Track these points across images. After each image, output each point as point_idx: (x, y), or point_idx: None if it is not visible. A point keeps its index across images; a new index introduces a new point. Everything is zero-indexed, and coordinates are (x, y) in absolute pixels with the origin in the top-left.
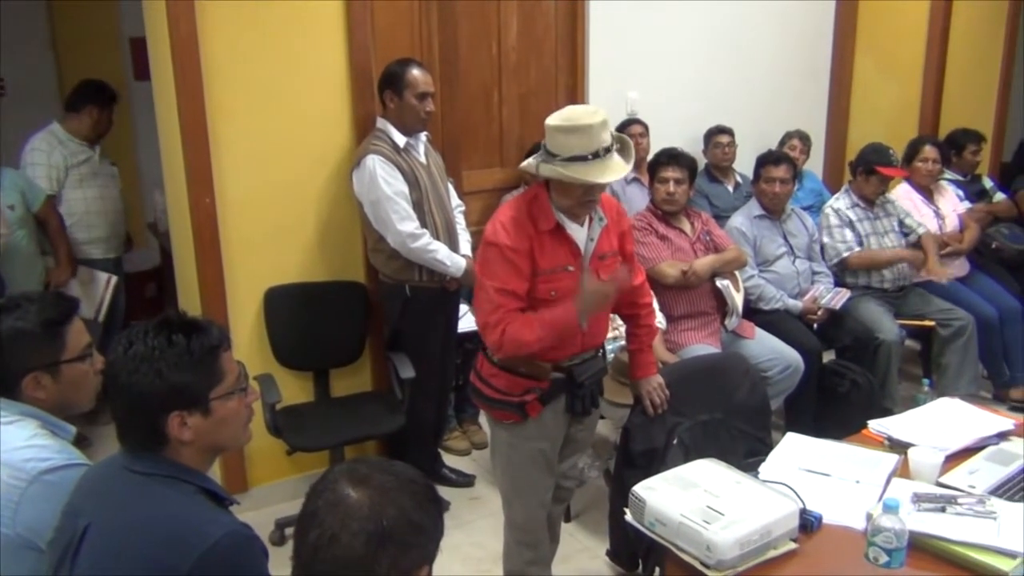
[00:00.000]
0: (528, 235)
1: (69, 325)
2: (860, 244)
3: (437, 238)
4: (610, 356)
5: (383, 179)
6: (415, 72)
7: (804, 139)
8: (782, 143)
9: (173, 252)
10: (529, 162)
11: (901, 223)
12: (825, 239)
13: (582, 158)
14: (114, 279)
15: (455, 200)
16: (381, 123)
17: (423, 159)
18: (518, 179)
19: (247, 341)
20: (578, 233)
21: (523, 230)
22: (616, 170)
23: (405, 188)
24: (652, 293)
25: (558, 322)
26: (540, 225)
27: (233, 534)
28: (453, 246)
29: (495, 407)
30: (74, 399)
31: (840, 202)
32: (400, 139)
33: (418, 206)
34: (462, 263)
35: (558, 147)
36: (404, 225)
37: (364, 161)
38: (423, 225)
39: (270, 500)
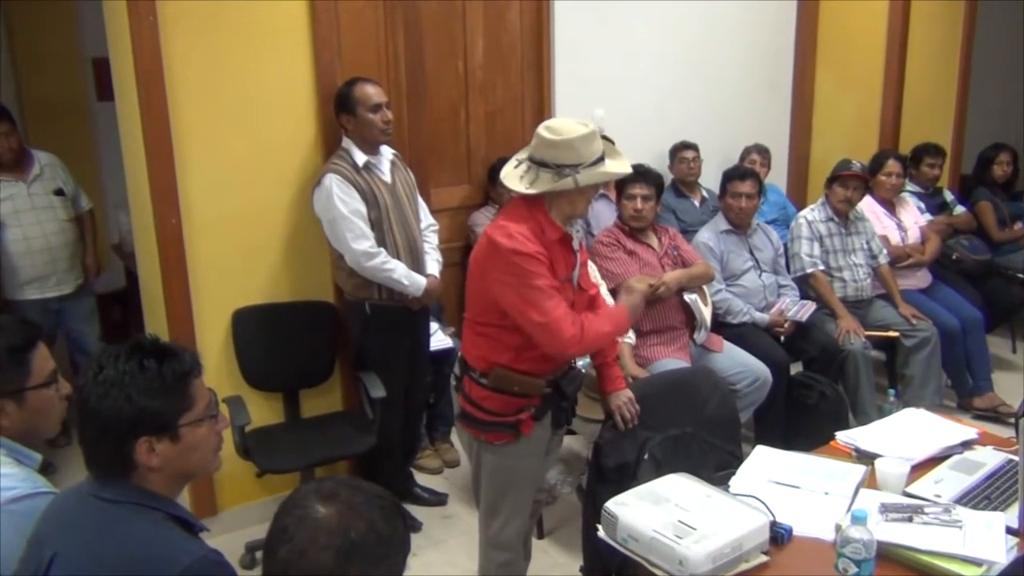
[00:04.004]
0: (544, 245)
1: (34, 351)
2: (824, 262)
3: (398, 257)
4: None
5: (339, 198)
6: (364, 87)
7: (763, 153)
8: (742, 158)
9: (139, 274)
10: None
11: (869, 244)
12: (794, 247)
13: (600, 159)
14: None
15: (427, 219)
16: (346, 143)
17: (387, 177)
18: (485, 196)
19: (215, 362)
20: (575, 243)
21: (540, 240)
22: (625, 161)
23: (362, 207)
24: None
25: (617, 318)
26: (548, 235)
27: (202, 560)
28: (416, 266)
29: (488, 430)
30: (40, 426)
31: (815, 213)
32: (361, 158)
33: (377, 225)
34: (422, 282)
35: (583, 154)
36: (358, 243)
37: (323, 180)
38: (382, 244)
39: (240, 523)
